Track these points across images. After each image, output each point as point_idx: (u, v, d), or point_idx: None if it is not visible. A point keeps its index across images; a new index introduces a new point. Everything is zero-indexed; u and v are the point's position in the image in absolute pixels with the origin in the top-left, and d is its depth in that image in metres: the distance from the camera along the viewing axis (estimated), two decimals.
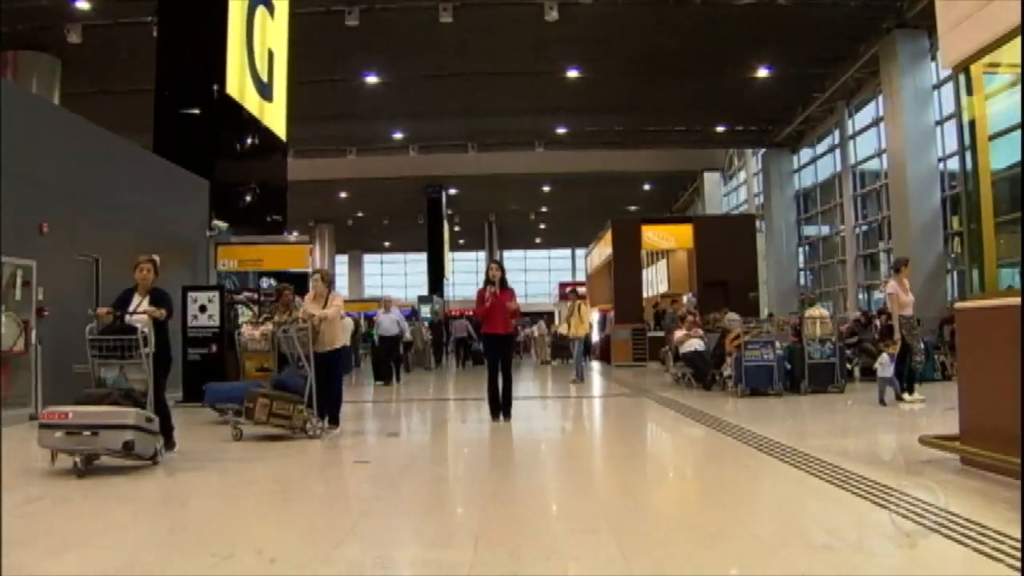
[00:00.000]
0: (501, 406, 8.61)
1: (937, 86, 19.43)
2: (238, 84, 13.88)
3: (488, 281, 8.65)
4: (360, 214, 40.86)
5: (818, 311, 10.81)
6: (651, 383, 13.56)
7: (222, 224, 12.64)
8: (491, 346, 8.86)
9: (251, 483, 5.51)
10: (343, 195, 36.50)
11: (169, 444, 6.35)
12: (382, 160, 31.13)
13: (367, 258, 52.81)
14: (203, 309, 11.57)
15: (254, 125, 15.03)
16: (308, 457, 6.67)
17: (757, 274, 22.06)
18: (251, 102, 14.79)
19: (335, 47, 19.75)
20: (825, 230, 27.71)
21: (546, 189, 37.13)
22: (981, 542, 3.39)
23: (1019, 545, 3.27)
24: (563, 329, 14.31)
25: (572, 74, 22.52)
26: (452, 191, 36.82)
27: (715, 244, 20.14)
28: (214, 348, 11.43)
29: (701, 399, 10.28)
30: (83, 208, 10.60)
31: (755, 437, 6.71)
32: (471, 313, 21.23)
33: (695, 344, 11.88)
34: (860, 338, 11.93)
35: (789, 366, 10.23)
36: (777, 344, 10.13)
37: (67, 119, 11.41)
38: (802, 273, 29.67)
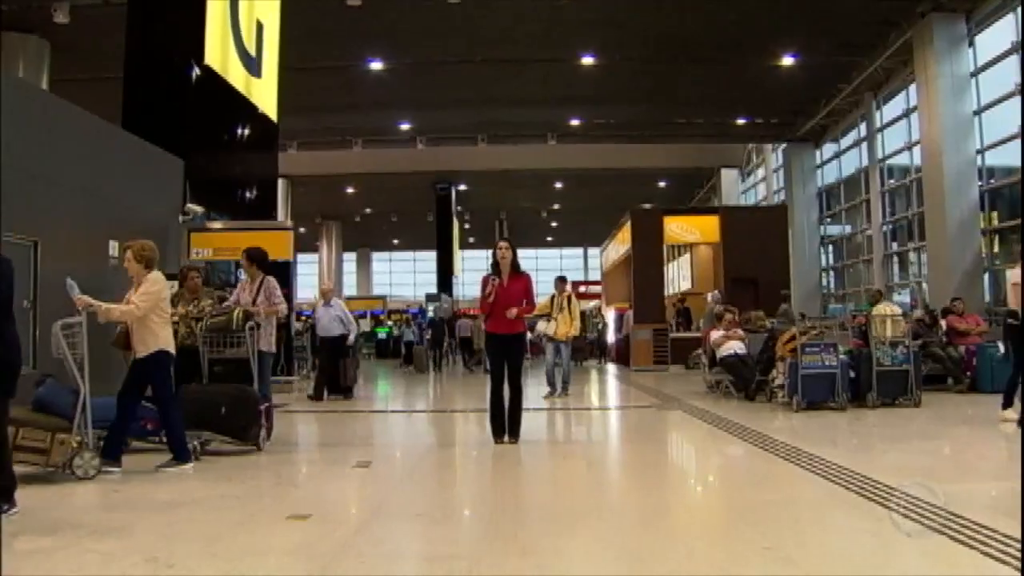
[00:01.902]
0: (506, 423, 6.94)
1: (975, 73, 18.28)
2: (220, 55, 12.50)
3: (494, 266, 6.98)
4: (368, 211, 39.87)
5: (888, 308, 9.27)
6: (680, 390, 12.15)
7: (197, 208, 11.22)
8: (495, 348, 7.12)
9: (109, 560, 3.59)
10: (350, 190, 35.60)
11: (7, 501, 4.27)
12: (389, 154, 30.15)
13: (376, 256, 51.72)
14: None
15: (240, 101, 13.67)
16: (227, 507, 4.75)
17: (789, 270, 20.83)
18: (236, 76, 13.35)
19: (335, 30, 18.69)
20: (849, 228, 26.60)
21: (558, 186, 36.16)
22: None
23: None
24: (550, 329, 11.63)
25: (587, 60, 21.54)
26: (462, 187, 35.87)
27: (744, 238, 18.81)
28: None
29: (749, 413, 8.85)
30: (19, 182, 8.48)
31: (858, 478, 4.98)
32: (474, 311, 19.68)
33: (735, 347, 10.39)
34: (924, 340, 10.60)
35: (853, 374, 8.80)
36: (839, 347, 8.76)
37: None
38: (824, 273, 28.57)
